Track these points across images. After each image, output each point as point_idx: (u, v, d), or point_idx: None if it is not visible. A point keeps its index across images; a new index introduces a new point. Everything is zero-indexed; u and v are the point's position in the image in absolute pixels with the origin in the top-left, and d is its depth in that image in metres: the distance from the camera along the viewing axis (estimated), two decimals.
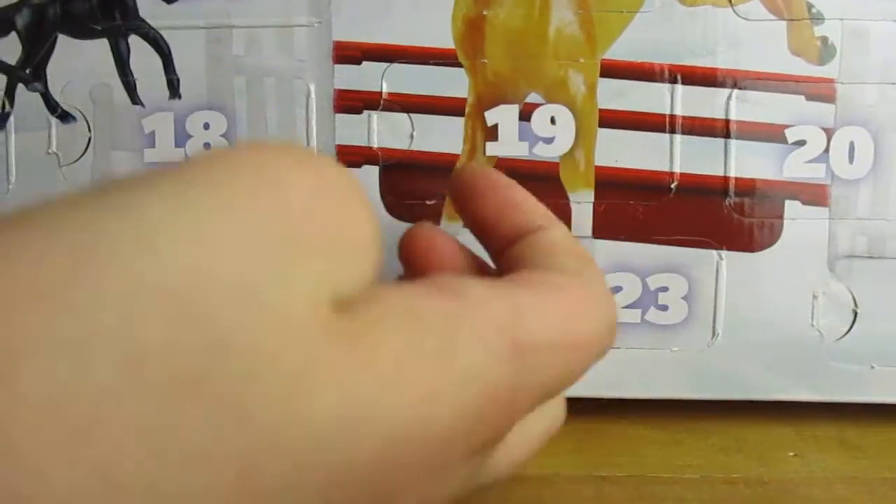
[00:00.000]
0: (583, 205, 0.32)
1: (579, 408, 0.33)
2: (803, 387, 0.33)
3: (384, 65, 0.32)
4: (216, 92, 0.32)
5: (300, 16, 0.32)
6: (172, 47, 0.32)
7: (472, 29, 0.32)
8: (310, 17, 0.32)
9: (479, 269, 0.23)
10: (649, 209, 0.32)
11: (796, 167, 0.32)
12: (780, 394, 0.33)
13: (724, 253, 0.32)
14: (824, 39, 0.32)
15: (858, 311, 0.32)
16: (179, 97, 0.33)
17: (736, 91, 0.32)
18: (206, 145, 0.33)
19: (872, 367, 0.32)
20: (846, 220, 0.32)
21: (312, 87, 0.32)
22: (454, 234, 0.32)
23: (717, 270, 0.32)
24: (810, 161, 0.32)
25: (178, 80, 0.32)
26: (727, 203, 0.32)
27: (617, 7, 0.32)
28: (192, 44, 0.32)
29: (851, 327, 0.32)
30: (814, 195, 0.32)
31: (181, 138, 0.33)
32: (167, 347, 0.11)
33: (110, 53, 0.33)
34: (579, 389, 0.33)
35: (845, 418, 0.33)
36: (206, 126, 0.33)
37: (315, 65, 0.32)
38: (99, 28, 0.32)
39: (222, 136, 0.33)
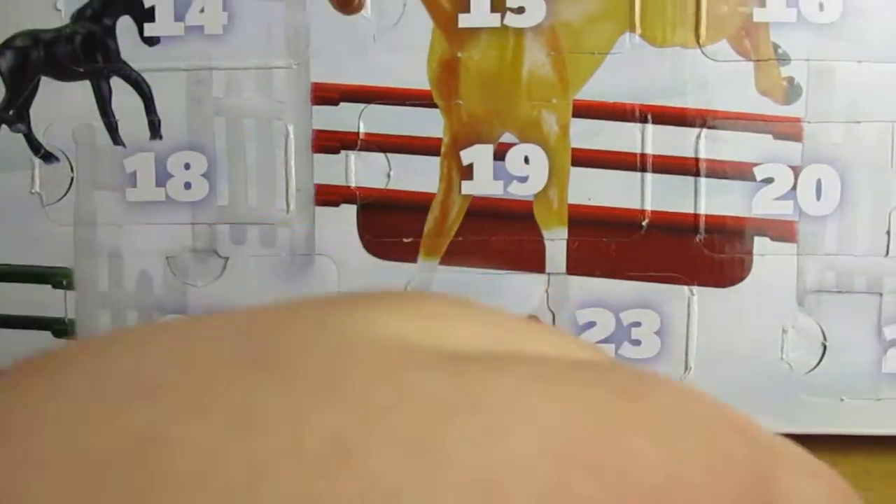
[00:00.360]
0: (557, 242, 0.33)
1: None
2: (774, 419, 0.33)
3: (361, 106, 0.33)
4: (197, 132, 0.33)
5: (279, 58, 0.33)
6: (154, 89, 0.33)
7: (447, 71, 0.33)
8: (288, 60, 0.33)
9: None
10: (622, 246, 0.33)
11: (765, 204, 0.33)
12: None
13: (695, 288, 0.33)
14: (791, 80, 0.32)
15: (827, 344, 0.33)
16: (160, 138, 0.33)
17: (705, 130, 0.32)
18: (187, 185, 0.33)
19: (842, 400, 0.33)
20: (814, 255, 0.33)
21: (291, 128, 0.33)
22: (430, 271, 0.33)
23: (689, 305, 0.33)
24: (778, 198, 0.33)
25: (159, 120, 0.33)
26: (698, 239, 0.33)
27: (588, 49, 0.32)
28: (173, 85, 0.33)
29: (821, 360, 0.33)
30: (782, 231, 0.33)
31: (162, 178, 0.33)
32: None
33: (92, 95, 0.33)
34: None
35: (816, 450, 0.33)
36: (187, 166, 0.33)
37: (293, 106, 0.33)
38: (81, 70, 0.33)
39: (203, 175, 0.33)
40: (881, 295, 0.33)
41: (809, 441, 0.33)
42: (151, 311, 0.34)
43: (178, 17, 0.33)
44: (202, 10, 0.33)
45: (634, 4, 0.32)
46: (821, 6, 0.32)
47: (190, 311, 0.34)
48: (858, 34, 0.32)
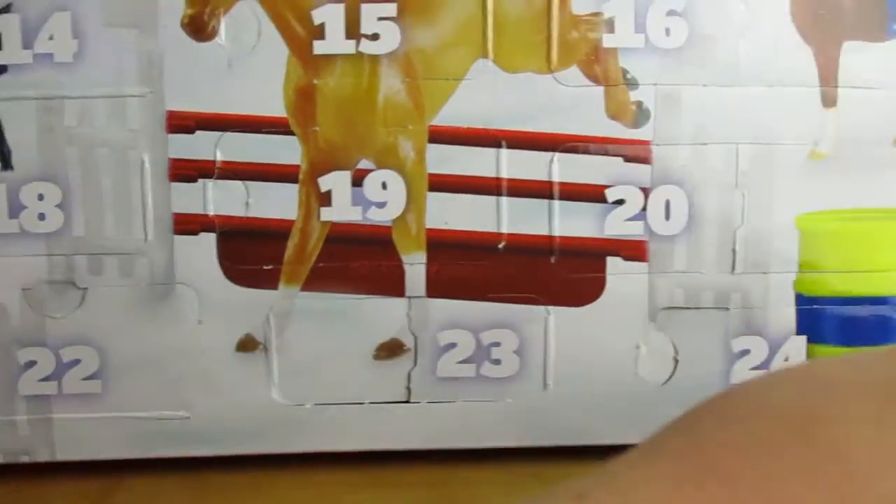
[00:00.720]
0: (416, 266, 0.33)
1: (426, 460, 0.34)
2: (631, 433, 0.34)
3: (217, 134, 0.33)
4: (49, 163, 0.33)
5: (132, 86, 0.32)
6: (3, 119, 0.32)
7: (304, 97, 0.33)
8: (142, 88, 0.32)
9: None
10: (480, 269, 0.33)
11: (617, 225, 0.34)
12: (610, 439, 0.34)
13: (551, 308, 0.34)
14: (639, 104, 0.33)
15: (679, 358, 0.34)
16: (12, 169, 0.33)
17: (558, 154, 0.33)
18: (42, 216, 0.33)
19: None
20: (664, 273, 0.34)
21: (146, 157, 0.33)
22: (292, 298, 0.33)
23: (546, 325, 0.34)
24: (629, 219, 0.34)
25: (9, 151, 0.32)
26: (552, 261, 0.34)
27: (442, 75, 0.33)
28: (23, 115, 0.32)
29: (673, 374, 0.34)
30: (634, 251, 0.34)
31: (15, 209, 0.33)
32: None
33: None
34: (423, 442, 0.34)
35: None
36: (41, 197, 0.33)
37: (148, 135, 0.33)
38: None
39: (57, 206, 0.33)
40: (728, 309, 0.34)
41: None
42: (10, 344, 0.33)
43: (26, 44, 0.32)
44: (51, 38, 0.32)
45: (487, 31, 0.33)
46: (667, 31, 0.33)
47: (49, 343, 0.33)
48: (703, 59, 0.33)
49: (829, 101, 0.34)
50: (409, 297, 0.33)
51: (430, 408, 0.34)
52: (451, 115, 0.33)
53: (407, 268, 0.33)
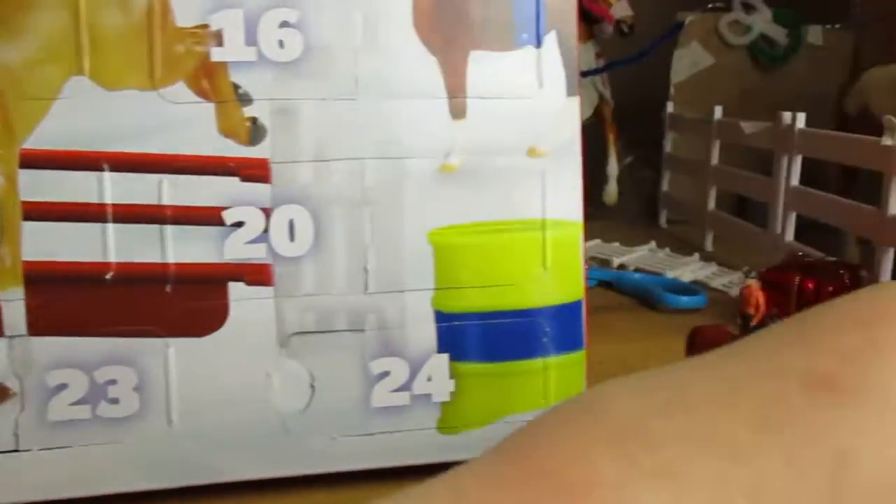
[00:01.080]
0: (14, 302, 0.31)
1: None
2: (267, 465, 0.33)
3: None
4: None
5: None
6: None
7: None
8: None
9: None
10: (88, 301, 0.31)
11: (237, 249, 0.32)
12: (242, 474, 0.32)
13: (171, 340, 0.32)
14: (254, 120, 0.32)
15: (316, 385, 0.33)
16: None
17: (168, 176, 0.31)
18: None
19: (333, 438, 0.33)
20: (293, 297, 0.32)
21: None
22: None
23: (166, 358, 0.32)
24: (250, 242, 0.32)
25: None
26: (168, 289, 0.31)
27: (32, 95, 0.30)
28: None
29: (311, 402, 0.33)
30: (258, 275, 0.32)
31: None
32: None
33: None
34: (37, 493, 0.31)
35: (312, 490, 0.33)
36: None
37: None
38: None
39: None
40: (364, 331, 0.33)
41: (304, 481, 0.32)
42: None
43: None
44: None
45: (81, 46, 0.30)
46: (281, 44, 0.32)
47: None
48: (321, 72, 0.32)
49: (458, 112, 0.33)
50: (9, 337, 0.31)
51: (42, 456, 0.31)
52: (45, 137, 0.30)
53: (3, 304, 0.31)
